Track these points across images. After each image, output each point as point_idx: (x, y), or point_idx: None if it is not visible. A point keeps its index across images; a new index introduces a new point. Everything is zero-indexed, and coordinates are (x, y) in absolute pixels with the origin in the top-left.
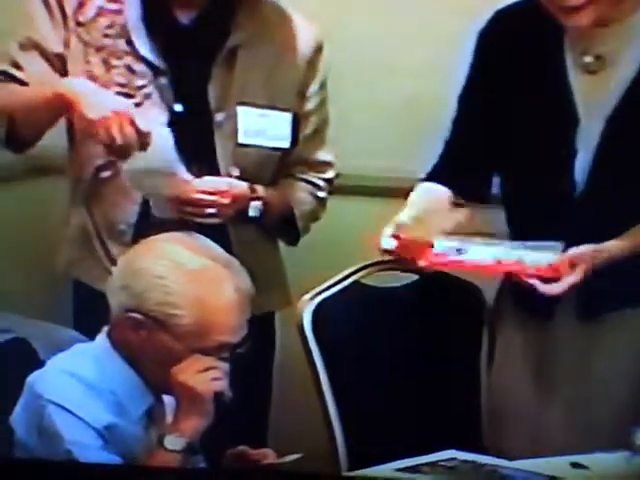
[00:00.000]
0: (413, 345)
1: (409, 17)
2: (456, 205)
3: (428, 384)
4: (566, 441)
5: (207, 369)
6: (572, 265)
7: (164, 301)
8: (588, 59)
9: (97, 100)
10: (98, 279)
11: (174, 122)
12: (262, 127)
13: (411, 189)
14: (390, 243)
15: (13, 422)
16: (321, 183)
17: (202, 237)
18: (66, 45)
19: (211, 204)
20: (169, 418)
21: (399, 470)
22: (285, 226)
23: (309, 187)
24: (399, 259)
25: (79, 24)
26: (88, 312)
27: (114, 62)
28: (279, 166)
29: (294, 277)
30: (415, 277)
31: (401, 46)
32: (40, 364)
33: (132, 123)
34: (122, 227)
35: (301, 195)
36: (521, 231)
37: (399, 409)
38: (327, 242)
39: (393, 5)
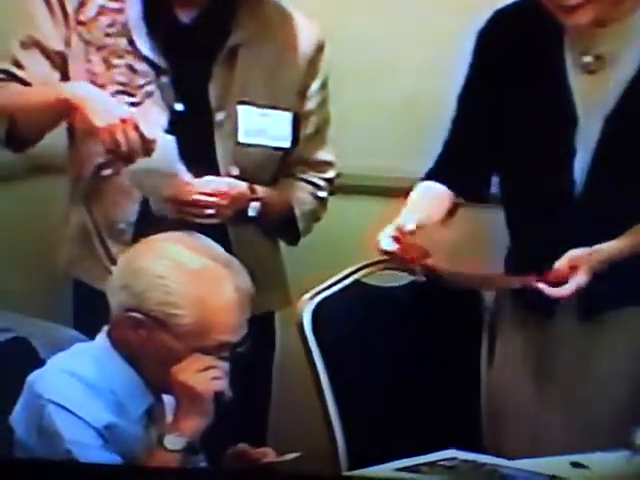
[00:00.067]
0: (413, 345)
1: (409, 17)
2: (456, 205)
3: (428, 384)
4: (566, 441)
5: (207, 368)
6: (572, 267)
7: (164, 301)
8: (587, 59)
9: (102, 106)
10: (98, 278)
11: (174, 121)
12: (262, 126)
13: (411, 189)
14: (391, 245)
15: (13, 421)
16: (322, 183)
17: (202, 237)
18: (67, 44)
19: (210, 205)
20: (169, 418)
21: (399, 470)
22: (286, 226)
23: (310, 187)
24: (398, 261)
25: (80, 23)
26: (88, 311)
27: (115, 61)
28: (279, 166)
29: (294, 277)
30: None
31: (401, 46)
32: (40, 363)
33: (137, 129)
34: (122, 226)
35: (302, 195)
36: (520, 231)
37: (399, 409)
38: (327, 242)
39: (393, 5)
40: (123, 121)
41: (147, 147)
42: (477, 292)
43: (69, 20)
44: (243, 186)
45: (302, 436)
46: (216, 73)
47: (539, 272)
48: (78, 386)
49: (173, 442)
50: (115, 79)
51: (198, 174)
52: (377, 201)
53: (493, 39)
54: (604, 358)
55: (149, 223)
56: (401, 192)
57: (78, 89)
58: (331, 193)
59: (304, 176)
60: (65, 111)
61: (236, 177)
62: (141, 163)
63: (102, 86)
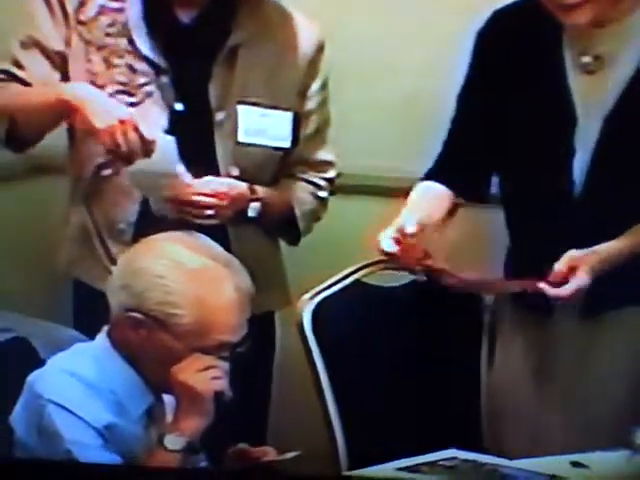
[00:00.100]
0: (413, 344)
1: (409, 17)
2: (456, 205)
3: (428, 383)
4: (566, 440)
5: (207, 368)
6: (572, 268)
7: (164, 300)
8: (586, 59)
9: (102, 108)
10: (98, 278)
11: (174, 121)
12: (262, 126)
13: (411, 189)
14: (391, 246)
15: (13, 421)
16: (322, 183)
17: (202, 236)
18: (67, 43)
19: (209, 206)
20: (169, 417)
21: (399, 469)
22: (286, 226)
23: (310, 187)
24: (399, 263)
25: (80, 22)
26: (88, 311)
27: (115, 61)
28: (280, 166)
29: (294, 276)
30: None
31: (401, 46)
32: (40, 363)
33: (136, 130)
34: (122, 226)
35: (302, 195)
36: (520, 231)
37: (399, 408)
38: (327, 241)
39: (393, 5)
40: (122, 122)
41: (147, 148)
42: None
43: (69, 20)
44: (243, 187)
45: (302, 436)
46: (216, 73)
47: (539, 273)
48: (78, 386)
49: (173, 442)
50: (115, 79)
51: (198, 174)
52: (377, 201)
53: (492, 39)
54: (604, 358)
55: (149, 223)
56: (401, 192)
57: (78, 90)
58: (331, 193)
59: (304, 176)
60: (65, 112)
61: (236, 177)
62: (141, 164)
63: (102, 86)
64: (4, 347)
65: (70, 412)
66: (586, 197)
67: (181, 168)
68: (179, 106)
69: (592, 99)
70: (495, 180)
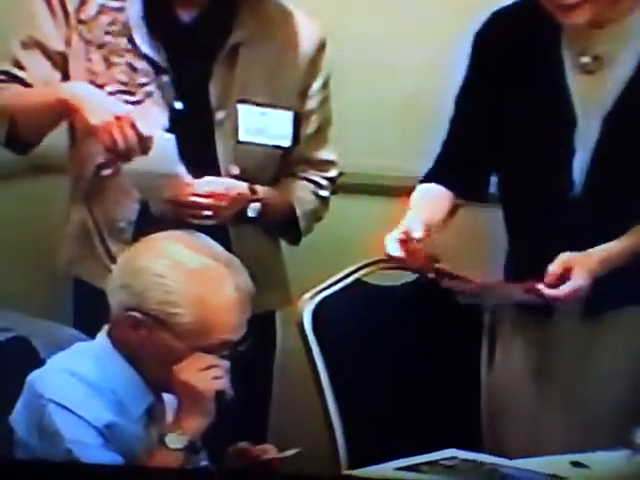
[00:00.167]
0: (413, 344)
1: (409, 17)
2: (456, 205)
3: (428, 383)
4: (566, 440)
5: (208, 367)
6: (566, 270)
7: (164, 300)
8: (586, 59)
9: (99, 105)
10: (98, 277)
11: (175, 120)
12: (263, 125)
13: (412, 188)
14: (397, 250)
15: (13, 421)
16: (323, 182)
17: (202, 235)
18: (68, 43)
19: (208, 206)
20: (169, 417)
21: (399, 469)
22: (287, 226)
23: (311, 186)
24: (405, 266)
25: (81, 22)
26: (88, 311)
27: (115, 60)
28: (280, 165)
29: (294, 276)
30: (416, 275)
31: (401, 46)
32: (40, 363)
33: (133, 127)
34: (122, 225)
35: (303, 194)
36: (519, 231)
37: (399, 408)
38: (327, 241)
39: (393, 5)
40: (118, 118)
41: (144, 144)
42: None
43: (70, 19)
44: (243, 187)
45: (302, 435)
46: (216, 72)
47: (538, 274)
48: (78, 385)
49: (175, 441)
50: (115, 78)
51: (198, 173)
52: (377, 200)
53: (491, 40)
54: (604, 358)
55: (149, 222)
56: (402, 191)
57: (76, 89)
58: (333, 192)
59: (306, 175)
60: (64, 111)
61: (237, 176)
62: (141, 163)
63: (102, 85)
64: (4, 346)
65: (70, 411)
66: (586, 197)
67: (181, 168)
68: (179, 105)
69: (591, 99)
70: (494, 180)
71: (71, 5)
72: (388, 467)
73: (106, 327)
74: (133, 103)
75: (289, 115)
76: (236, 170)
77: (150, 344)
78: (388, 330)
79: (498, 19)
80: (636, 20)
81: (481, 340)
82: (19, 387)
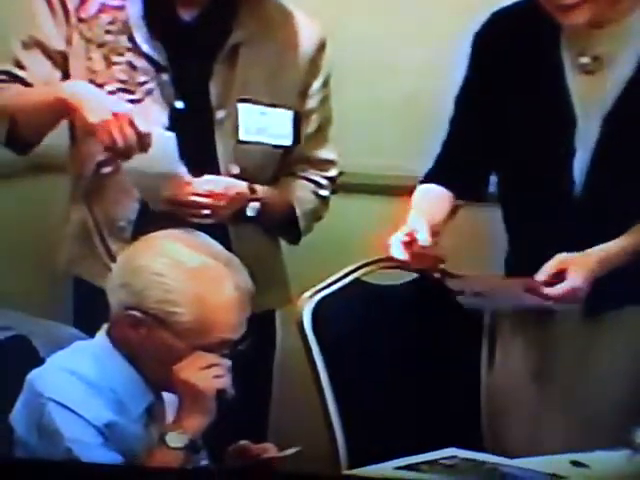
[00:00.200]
0: (413, 343)
1: (409, 17)
2: (456, 206)
3: (428, 382)
4: (566, 440)
5: (209, 366)
6: (561, 270)
7: (164, 299)
8: (585, 60)
9: (98, 104)
10: (98, 276)
11: (175, 119)
12: (263, 125)
13: (412, 187)
14: (402, 254)
15: (13, 420)
16: (323, 181)
17: (202, 234)
18: (68, 42)
19: (207, 206)
20: (169, 416)
21: (399, 468)
22: (287, 225)
23: (311, 185)
24: (412, 269)
25: (81, 20)
26: (88, 309)
27: (115, 58)
28: (280, 164)
29: (294, 275)
30: (416, 275)
31: (401, 46)
32: (40, 362)
33: (132, 124)
34: (122, 224)
35: (303, 194)
36: (519, 231)
37: (399, 407)
38: (327, 240)
39: (393, 5)
40: (115, 116)
41: (143, 142)
42: None
43: (70, 18)
44: (242, 186)
45: (302, 435)
46: (217, 71)
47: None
48: (78, 384)
49: (175, 439)
50: (115, 76)
51: (198, 172)
52: (377, 200)
53: (490, 41)
54: (604, 358)
55: (149, 221)
56: (402, 191)
57: (76, 88)
58: (333, 192)
59: (306, 174)
60: (64, 111)
61: (236, 176)
62: (141, 162)
63: (102, 84)
64: (4, 345)
65: (70, 410)
66: (586, 197)
67: (181, 167)
68: (179, 104)
69: (591, 99)
70: (494, 180)
71: (71, 4)
72: (388, 466)
73: (106, 326)
74: (133, 102)
75: (289, 114)
76: (236, 169)
77: (150, 343)
78: (388, 329)
79: (498, 19)
80: (636, 20)
81: (481, 340)
82: (19, 386)
